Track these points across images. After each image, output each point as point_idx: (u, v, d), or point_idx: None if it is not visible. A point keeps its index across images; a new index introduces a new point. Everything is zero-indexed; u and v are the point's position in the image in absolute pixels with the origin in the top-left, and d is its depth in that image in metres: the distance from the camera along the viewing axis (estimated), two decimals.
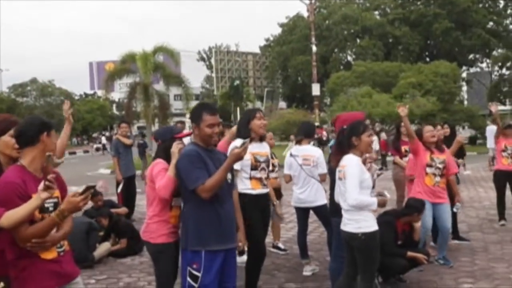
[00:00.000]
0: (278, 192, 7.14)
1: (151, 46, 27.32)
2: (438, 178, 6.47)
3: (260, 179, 5.17)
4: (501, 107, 39.51)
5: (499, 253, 7.13)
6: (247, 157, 4.89)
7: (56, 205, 3.02)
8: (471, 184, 14.58)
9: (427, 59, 50.98)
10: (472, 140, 34.64)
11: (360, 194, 4.20)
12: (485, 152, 20.88)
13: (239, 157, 3.72)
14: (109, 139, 58.45)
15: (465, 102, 49.85)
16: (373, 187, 4.45)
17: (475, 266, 6.51)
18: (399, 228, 5.85)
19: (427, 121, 16.44)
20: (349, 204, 4.24)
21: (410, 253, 5.62)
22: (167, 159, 4.19)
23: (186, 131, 4.75)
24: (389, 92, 33.37)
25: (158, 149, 4.37)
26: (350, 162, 4.34)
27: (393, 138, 8.98)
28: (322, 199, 6.34)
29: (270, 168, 5.53)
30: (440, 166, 6.48)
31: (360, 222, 4.26)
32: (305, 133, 6.46)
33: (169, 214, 4.13)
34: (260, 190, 5.16)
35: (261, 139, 5.27)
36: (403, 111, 6.18)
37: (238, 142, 4.63)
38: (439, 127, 7.75)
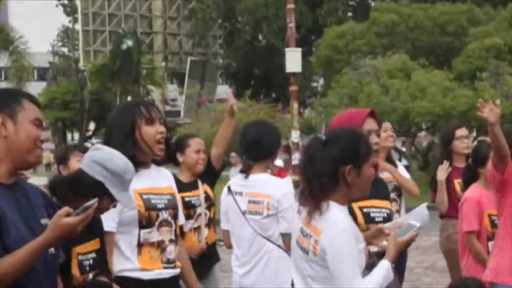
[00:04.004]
0: (204, 264, 7.08)
1: None
2: None
3: (159, 246, 5.06)
4: None
5: None
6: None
7: None
8: None
9: None
10: None
11: (362, 283, 4.16)
12: None
13: (72, 232, 3.54)
14: None
15: None
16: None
17: None
18: None
19: None
20: None
21: None
22: None
23: None
24: (446, 67, 33.39)
25: None
26: (333, 226, 4.17)
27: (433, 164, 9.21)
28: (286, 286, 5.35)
29: (181, 218, 5.43)
30: None
31: None
32: (256, 150, 6.30)
33: None
34: (160, 272, 5.09)
35: (157, 162, 5.20)
36: (492, 112, 5.70)
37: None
38: None
